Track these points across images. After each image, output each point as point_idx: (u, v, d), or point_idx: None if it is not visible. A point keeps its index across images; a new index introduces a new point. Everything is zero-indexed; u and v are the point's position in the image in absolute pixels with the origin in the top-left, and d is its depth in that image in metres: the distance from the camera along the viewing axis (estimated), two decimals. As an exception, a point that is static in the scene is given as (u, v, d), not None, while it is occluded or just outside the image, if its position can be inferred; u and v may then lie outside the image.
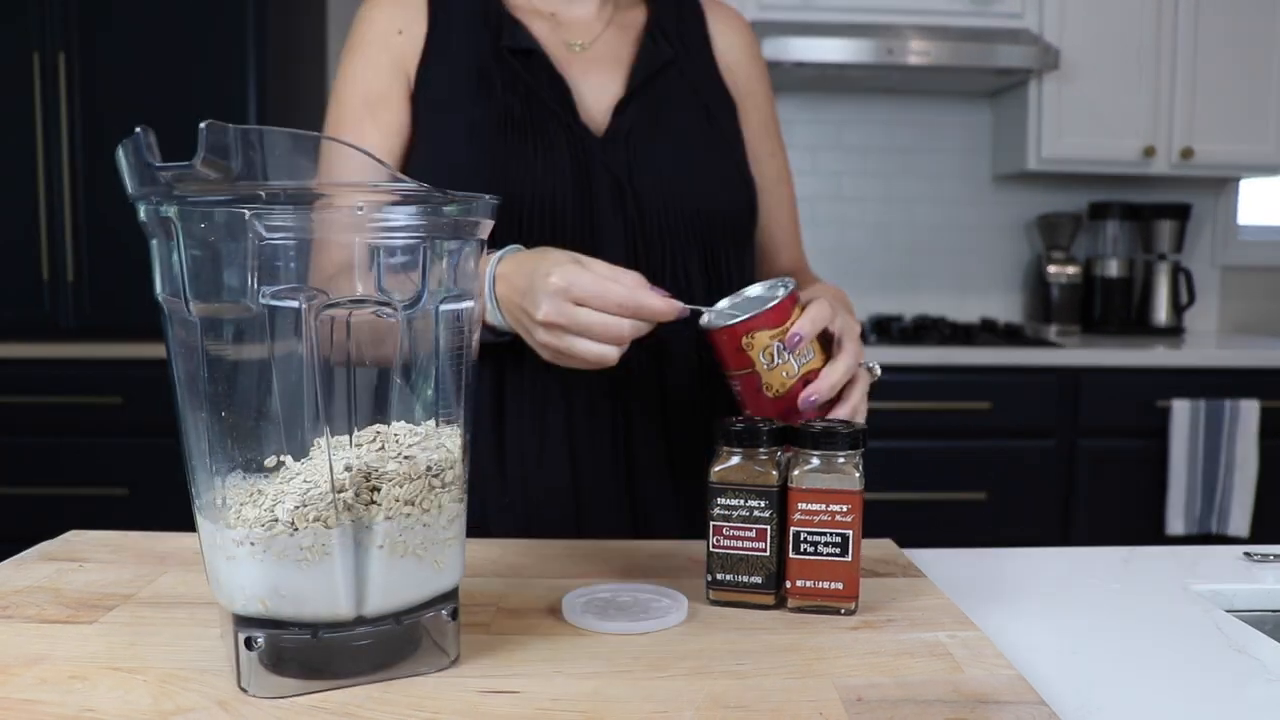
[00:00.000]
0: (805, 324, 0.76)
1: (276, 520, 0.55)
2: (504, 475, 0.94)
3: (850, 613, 0.70)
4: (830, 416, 0.77)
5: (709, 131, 1.01)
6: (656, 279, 0.94)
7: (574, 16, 1.03)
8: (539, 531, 0.93)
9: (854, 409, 0.79)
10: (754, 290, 0.80)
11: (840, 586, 0.70)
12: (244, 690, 0.56)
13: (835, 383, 0.77)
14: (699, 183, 0.97)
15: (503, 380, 0.93)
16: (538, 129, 0.93)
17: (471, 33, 0.98)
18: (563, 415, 0.93)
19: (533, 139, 0.93)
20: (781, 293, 0.77)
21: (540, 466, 0.94)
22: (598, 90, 0.98)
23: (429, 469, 0.58)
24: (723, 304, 0.80)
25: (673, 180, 0.95)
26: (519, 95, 0.95)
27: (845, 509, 0.69)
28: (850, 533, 0.69)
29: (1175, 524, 2.54)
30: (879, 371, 0.82)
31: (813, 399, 0.76)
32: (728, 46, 1.07)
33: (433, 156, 0.95)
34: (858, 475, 0.69)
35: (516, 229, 0.91)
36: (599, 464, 0.94)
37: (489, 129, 0.93)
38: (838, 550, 0.69)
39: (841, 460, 0.69)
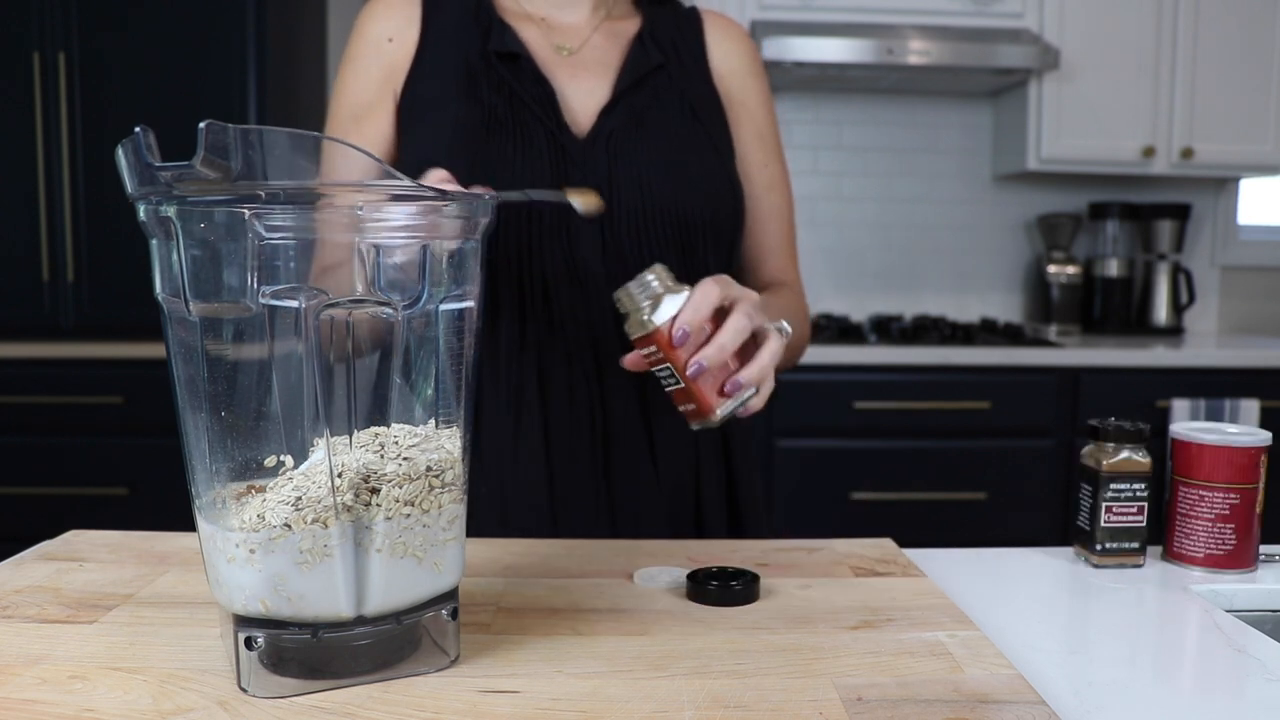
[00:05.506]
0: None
1: (276, 521, 0.55)
2: (479, 465, 0.94)
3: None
4: (741, 378, 0.76)
5: (694, 135, 1.00)
6: (630, 279, 0.94)
7: (565, 22, 1.04)
8: (515, 523, 0.93)
9: (763, 370, 0.76)
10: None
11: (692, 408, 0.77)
12: (244, 690, 0.56)
13: (723, 344, 0.74)
14: (678, 185, 0.97)
15: (479, 370, 0.94)
16: (520, 130, 0.94)
17: (462, 35, 0.99)
18: (538, 407, 0.94)
19: (514, 140, 0.93)
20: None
21: (515, 460, 0.94)
22: (584, 94, 0.99)
23: (429, 469, 0.58)
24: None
25: (650, 182, 0.95)
26: (503, 97, 0.96)
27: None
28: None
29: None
30: (789, 330, 0.79)
31: (700, 363, 0.74)
32: (723, 55, 1.07)
33: (415, 152, 0.95)
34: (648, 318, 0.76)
35: (496, 227, 0.92)
36: (576, 459, 0.94)
37: (473, 128, 0.93)
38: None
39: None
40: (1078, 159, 2.76)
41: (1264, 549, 0.89)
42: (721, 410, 0.76)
